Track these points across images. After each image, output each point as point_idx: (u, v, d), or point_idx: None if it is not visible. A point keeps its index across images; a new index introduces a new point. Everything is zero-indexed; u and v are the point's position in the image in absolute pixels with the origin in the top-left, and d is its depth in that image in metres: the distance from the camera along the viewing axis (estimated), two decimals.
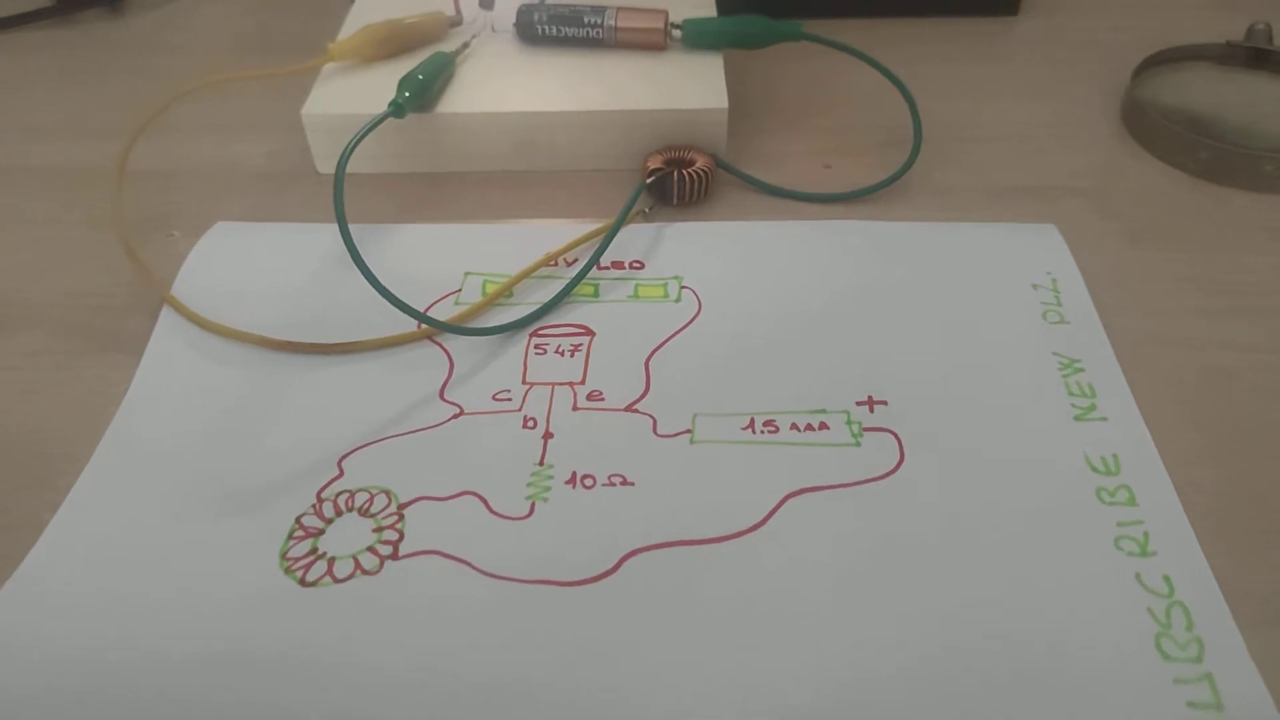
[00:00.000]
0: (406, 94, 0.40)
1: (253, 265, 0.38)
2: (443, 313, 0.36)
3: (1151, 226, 0.40)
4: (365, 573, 0.28)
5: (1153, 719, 0.25)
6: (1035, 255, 0.37)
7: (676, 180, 0.40)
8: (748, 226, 0.39)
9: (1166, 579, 0.27)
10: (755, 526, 0.28)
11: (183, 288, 0.37)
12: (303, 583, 0.27)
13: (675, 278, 0.37)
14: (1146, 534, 0.28)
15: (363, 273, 0.33)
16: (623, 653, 0.26)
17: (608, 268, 0.37)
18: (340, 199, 0.34)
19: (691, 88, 0.42)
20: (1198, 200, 0.41)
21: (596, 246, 0.37)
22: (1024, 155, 0.44)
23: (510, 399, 0.32)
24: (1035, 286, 0.36)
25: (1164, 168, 0.43)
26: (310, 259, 0.38)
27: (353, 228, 0.39)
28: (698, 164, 0.41)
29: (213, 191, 0.43)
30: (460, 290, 0.36)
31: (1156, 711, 0.25)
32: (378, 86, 0.43)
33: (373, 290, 0.33)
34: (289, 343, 0.34)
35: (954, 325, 0.35)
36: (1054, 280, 0.37)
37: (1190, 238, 0.40)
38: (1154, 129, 0.44)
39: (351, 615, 0.27)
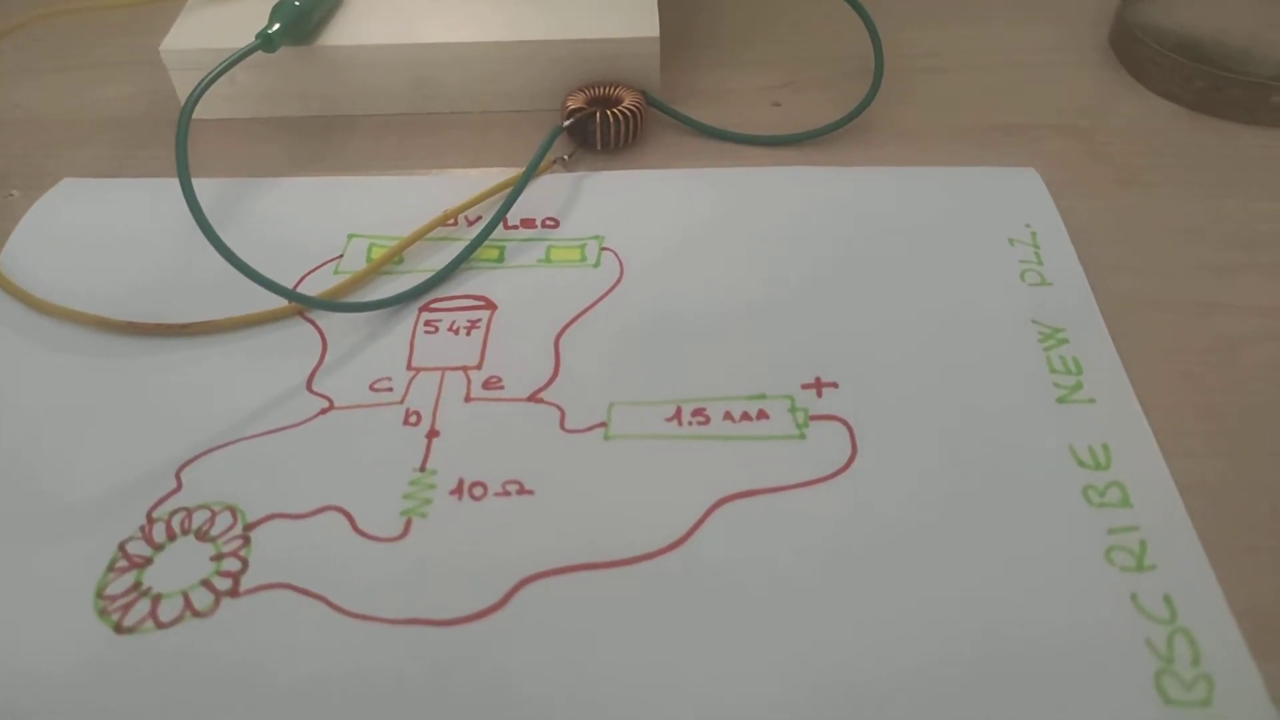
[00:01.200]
0: (278, 24, 0.35)
1: (99, 228, 0.33)
2: (320, 283, 0.32)
3: (1145, 169, 0.35)
4: (196, 614, 0.24)
5: None
6: (1012, 204, 0.33)
7: (600, 121, 0.35)
8: (682, 175, 0.35)
9: (1168, 600, 0.23)
10: (677, 543, 0.25)
11: (12, 258, 0.33)
12: (119, 628, 0.23)
13: (595, 238, 0.33)
14: (1143, 543, 0.24)
15: (212, 242, 0.28)
16: (510, 706, 0.22)
17: (516, 227, 0.33)
18: (183, 147, 0.29)
19: (617, 14, 0.37)
20: (1198, 138, 0.37)
21: (503, 201, 0.33)
22: (999, 89, 0.39)
23: (391, 389, 0.28)
24: (1012, 242, 0.32)
25: (1158, 101, 0.38)
26: (168, 221, 0.34)
27: (220, 184, 0.35)
28: (625, 102, 0.36)
29: (60, 143, 0.38)
30: (342, 256, 0.32)
31: None
32: (252, 17, 0.38)
33: (232, 266, 0.28)
34: (131, 324, 0.30)
35: (916, 291, 0.31)
36: (1033, 234, 0.32)
37: (1191, 182, 0.35)
38: (1146, 56, 0.39)
39: (175, 671, 0.22)
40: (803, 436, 0.27)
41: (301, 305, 0.30)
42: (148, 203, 0.34)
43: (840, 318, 0.30)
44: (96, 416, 0.28)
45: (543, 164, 0.35)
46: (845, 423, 0.27)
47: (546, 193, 0.34)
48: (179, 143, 0.29)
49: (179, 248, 0.33)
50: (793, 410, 0.27)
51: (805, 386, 0.28)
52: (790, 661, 0.22)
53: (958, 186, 0.34)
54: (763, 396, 0.28)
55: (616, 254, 0.32)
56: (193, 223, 0.33)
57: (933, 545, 0.24)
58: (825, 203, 0.34)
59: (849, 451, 0.26)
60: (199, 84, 0.32)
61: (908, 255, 0.32)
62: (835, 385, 0.28)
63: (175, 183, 0.35)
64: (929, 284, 0.31)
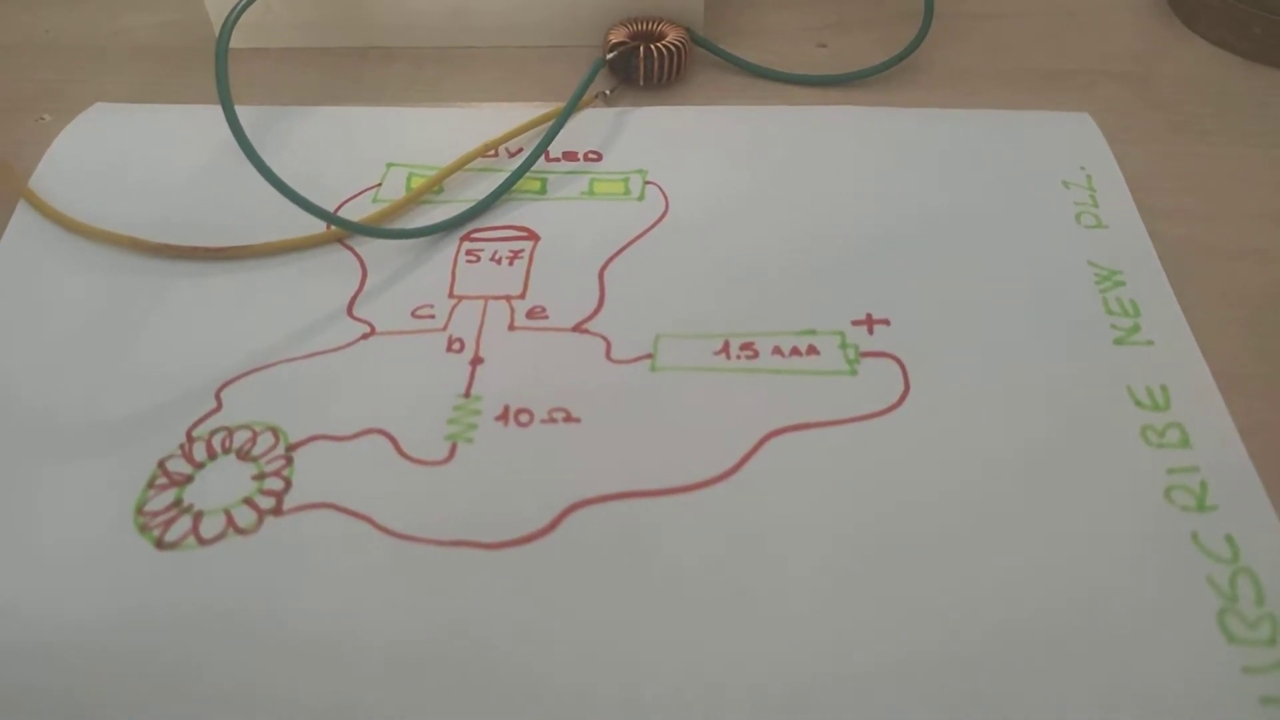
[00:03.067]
0: None
1: (133, 153, 0.33)
2: (358, 211, 0.31)
3: (1200, 117, 0.34)
4: (239, 531, 0.23)
5: (1217, 716, 0.20)
6: (1066, 148, 0.32)
7: (643, 57, 0.34)
8: (726, 113, 0.34)
9: (1230, 540, 0.23)
10: (727, 473, 0.24)
11: (45, 180, 0.32)
12: (160, 544, 0.23)
13: (638, 171, 0.32)
14: (1204, 484, 0.24)
15: (253, 162, 0.27)
16: (560, 631, 0.21)
17: (558, 159, 0.33)
18: (223, 71, 0.28)
19: None
20: (1252, 85, 0.36)
21: (545, 134, 0.32)
22: (1051, 34, 0.38)
23: (433, 316, 0.28)
24: (1067, 184, 0.31)
25: (1211, 49, 0.37)
26: (202, 147, 0.33)
27: (256, 111, 0.34)
28: (669, 38, 0.35)
29: (94, 68, 0.37)
30: (380, 185, 0.32)
31: (1221, 706, 0.20)
32: None
33: (272, 185, 0.28)
34: (167, 245, 0.30)
35: (970, 230, 0.30)
36: (1089, 176, 0.31)
37: (1248, 130, 0.34)
38: (1200, 2, 0.38)
39: (218, 586, 0.22)
40: (854, 373, 0.26)
41: (343, 230, 0.30)
42: (182, 127, 0.34)
43: (891, 255, 0.29)
44: (132, 337, 0.27)
45: (584, 98, 0.34)
46: (897, 360, 0.27)
47: (588, 127, 0.34)
48: (219, 58, 0.28)
49: (214, 173, 0.32)
50: (843, 346, 0.27)
51: (856, 323, 0.27)
52: (843, 599, 0.22)
53: (1011, 129, 0.33)
54: (813, 332, 0.27)
55: (661, 188, 0.32)
56: (227, 148, 0.33)
57: (988, 484, 0.24)
58: (876, 142, 0.33)
59: (901, 388, 0.26)
60: (235, 7, 0.31)
61: (960, 195, 0.31)
62: (887, 322, 0.27)
63: (210, 109, 0.34)
64: (982, 224, 0.30)
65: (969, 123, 0.33)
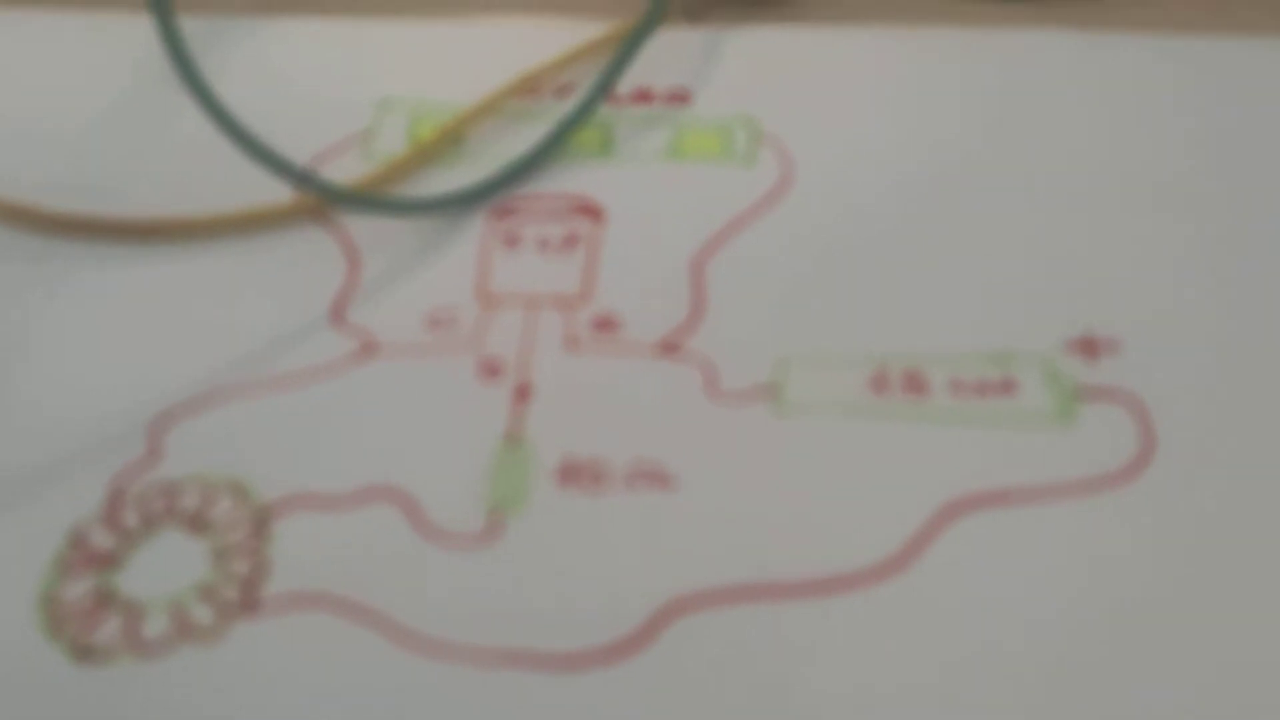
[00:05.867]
0: None
1: (21, 84, 0.34)
2: (340, 170, 0.32)
3: None
4: (194, 637, 0.24)
5: None
6: None
7: None
8: (874, 37, 0.35)
9: None
10: (890, 567, 0.25)
11: None
12: (79, 653, 0.23)
13: (746, 121, 0.33)
14: None
15: (196, 95, 0.28)
16: None
17: (627, 101, 0.34)
18: None
19: None
20: None
21: (607, 65, 0.33)
22: None
23: (457, 325, 0.29)
24: None
25: None
26: (118, 74, 0.34)
27: (197, 24, 0.35)
28: None
29: None
30: (371, 133, 0.33)
31: None
32: None
33: (217, 126, 0.28)
34: (68, 218, 0.30)
35: (1230, 213, 0.30)
36: None
37: None
38: None
39: (165, 718, 0.22)
40: (1068, 420, 0.27)
41: (322, 199, 0.30)
42: (88, 45, 0.35)
43: (1124, 248, 0.30)
44: (18, 353, 0.28)
45: (661, 12, 0.34)
46: (1135, 400, 0.27)
47: (670, 53, 0.35)
48: None
49: (135, 112, 0.33)
50: (1053, 379, 0.27)
51: (1070, 344, 0.28)
52: None
53: (1265, 62, 0.34)
54: (1009, 357, 0.28)
55: (782, 145, 0.32)
56: (155, 77, 0.33)
57: (1260, 586, 0.24)
58: (1100, 84, 0.33)
59: (1138, 445, 0.26)
60: None
61: (1212, 164, 0.32)
62: (1116, 345, 0.28)
63: (131, 20, 0.35)
64: (1247, 206, 0.31)
65: (1211, 54, 0.34)
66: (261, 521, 0.25)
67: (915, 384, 0.27)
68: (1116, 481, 0.26)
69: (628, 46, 0.33)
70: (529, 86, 0.34)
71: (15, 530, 0.25)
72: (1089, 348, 0.28)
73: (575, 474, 0.26)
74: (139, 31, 0.35)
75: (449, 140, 0.32)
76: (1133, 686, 0.23)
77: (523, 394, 0.27)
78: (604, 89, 0.33)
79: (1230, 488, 0.25)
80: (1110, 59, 0.34)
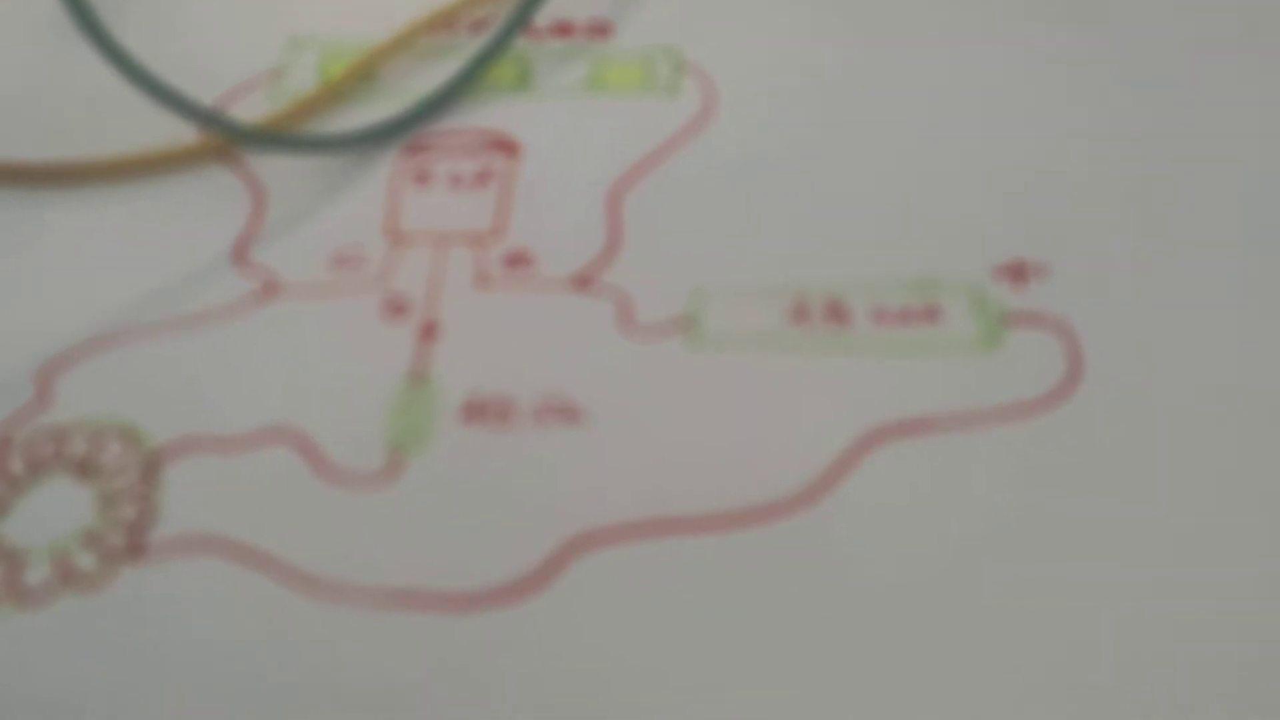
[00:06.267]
0: None
1: None
2: (248, 110, 0.32)
3: None
4: (77, 585, 0.24)
5: None
6: None
7: None
8: None
9: None
10: (805, 499, 0.25)
11: None
12: None
13: (667, 50, 0.33)
14: None
15: (86, 30, 0.27)
16: None
17: (545, 33, 0.34)
18: None
19: None
20: None
21: None
22: None
23: (363, 263, 0.29)
24: None
25: None
26: (9, 15, 0.34)
27: None
28: None
29: None
30: (280, 71, 0.33)
31: None
32: None
33: (115, 69, 0.28)
34: None
35: (1164, 123, 0.31)
36: None
37: None
38: None
39: (47, 668, 0.23)
40: (996, 345, 0.27)
41: (226, 138, 0.30)
42: None
43: (1050, 162, 0.30)
44: None
45: None
46: (1063, 326, 0.27)
47: None
48: None
49: (26, 48, 0.33)
50: (978, 305, 0.27)
51: (999, 271, 0.28)
52: (972, 684, 0.22)
53: None
54: (934, 284, 0.28)
55: (703, 74, 0.32)
56: (45, 10, 0.34)
57: (1199, 521, 0.24)
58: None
59: (1066, 370, 0.26)
60: None
61: (1153, 66, 0.32)
62: (1045, 270, 0.28)
63: None
64: (1188, 116, 0.31)
65: None
66: (152, 466, 0.25)
67: (836, 313, 0.27)
68: (1042, 407, 0.26)
69: None
70: (444, 22, 0.34)
71: None
72: (1018, 273, 0.28)
73: (481, 412, 0.26)
74: None
75: (361, 77, 0.32)
76: (1056, 614, 0.23)
77: (429, 332, 0.27)
78: (521, 22, 0.32)
79: (1157, 413, 0.26)
80: None
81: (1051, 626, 0.23)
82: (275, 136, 0.30)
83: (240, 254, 0.29)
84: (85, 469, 0.25)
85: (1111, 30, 0.33)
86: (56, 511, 0.24)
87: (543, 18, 0.34)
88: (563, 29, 0.34)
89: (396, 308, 0.28)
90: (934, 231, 0.29)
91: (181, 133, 0.31)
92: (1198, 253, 0.28)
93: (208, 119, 0.29)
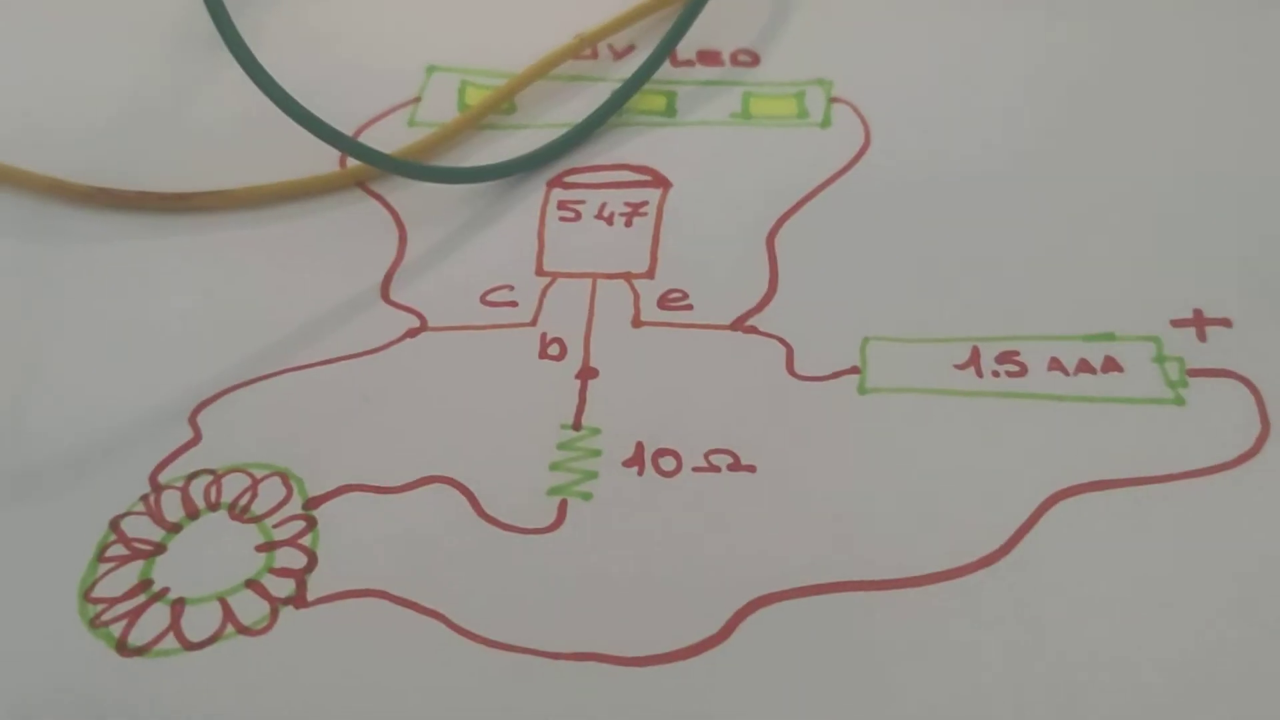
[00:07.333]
0: None
1: (39, 47, 0.36)
2: (389, 138, 0.32)
3: None
4: (243, 630, 0.24)
5: None
6: None
7: None
8: None
9: None
10: (987, 559, 0.24)
11: None
12: (123, 647, 0.24)
13: (819, 83, 0.34)
14: None
15: (236, 55, 0.28)
16: None
17: (691, 62, 0.34)
18: None
19: None
20: None
21: (672, 24, 0.34)
22: None
23: (515, 304, 0.29)
24: None
25: None
26: (146, 36, 0.35)
27: None
28: None
29: None
30: (419, 100, 0.34)
31: None
32: None
33: (259, 95, 0.29)
34: (103, 190, 0.31)
35: None
36: None
37: None
38: None
39: (214, 713, 0.23)
40: (1179, 400, 0.27)
41: (372, 167, 0.31)
42: (132, 11, 0.36)
43: (1231, 217, 0.30)
44: (52, 332, 0.29)
45: None
46: (1247, 382, 0.27)
47: (736, 10, 0.35)
48: None
49: (167, 75, 0.34)
50: (1160, 359, 0.27)
51: (1178, 323, 0.28)
52: None
53: None
54: (1111, 337, 0.28)
55: (855, 108, 0.33)
56: (180, 39, 0.34)
57: None
58: (1189, 41, 0.34)
59: (1257, 426, 0.26)
60: None
61: None
62: (1227, 322, 0.28)
63: None
64: None
65: None
66: (310, 511, 0.25)
67: (1011, 363, 0.27)
68: (1232, 462, 0.26)
69: (690, 7, 0.33)
70: (585, 46, 0.34)
71: (56, 517, 0.25)
72: (1198, 325, 0.28)
73: (644, 458, 0.26)
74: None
75: (501, 105, 0.33)
76: (1269, 681, 0.23)
77: (586, 375, 0.27)
78: (668, 51, 0.33)
79: None
80: (1221, 20, 0.34)
81: (1262, 693, 0.22)
82: (417, 167, 0.30)
83: (387, 289, 0.29)
84: (240, 512, 0.25)
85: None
86: (216, 555, 0.25)
87: (686, 46, 0.34)
88: (709, 57, 0.34)
89: (552, 349, 0.28)
90: (1109, 282, 0.29)
91: (318, 162, 0.31)
92: None
93: (352, 148, 0.29)
